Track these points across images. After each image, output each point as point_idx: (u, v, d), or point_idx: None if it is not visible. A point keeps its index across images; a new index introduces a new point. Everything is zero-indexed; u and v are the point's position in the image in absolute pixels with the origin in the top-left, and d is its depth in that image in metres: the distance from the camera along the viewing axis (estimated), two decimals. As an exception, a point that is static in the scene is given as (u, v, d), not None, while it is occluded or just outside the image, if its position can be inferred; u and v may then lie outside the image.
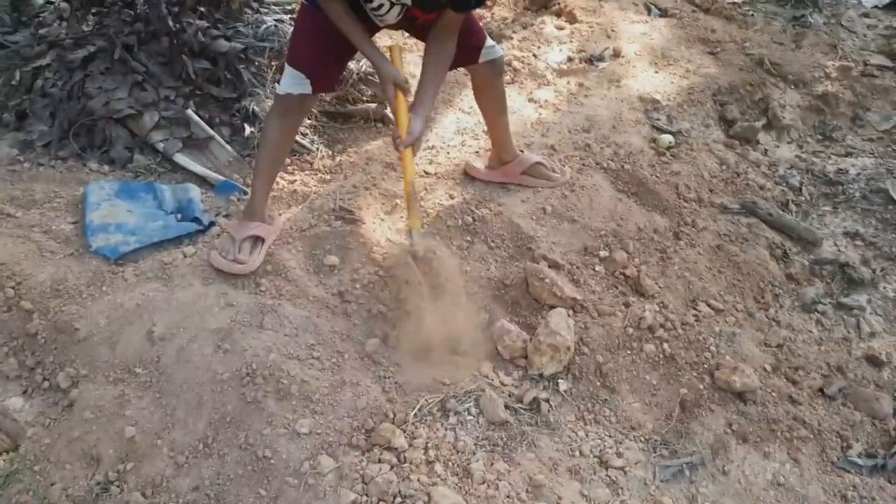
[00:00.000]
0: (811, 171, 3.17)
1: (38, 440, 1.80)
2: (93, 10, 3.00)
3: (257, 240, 2.19)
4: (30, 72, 2.79)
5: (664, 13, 4.10)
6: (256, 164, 2.30)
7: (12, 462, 1.78)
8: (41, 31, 2.94)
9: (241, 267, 2.11)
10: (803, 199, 3.01)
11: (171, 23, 2.65)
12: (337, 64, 2.25)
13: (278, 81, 2.83)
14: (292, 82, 2.13)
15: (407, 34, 2.53)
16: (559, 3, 3.97)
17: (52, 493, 1.69)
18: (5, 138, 2.66)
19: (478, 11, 2.43)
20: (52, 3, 3.10)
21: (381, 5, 1.99)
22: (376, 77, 3.01)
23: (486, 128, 2.67)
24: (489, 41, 2.35)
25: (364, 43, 2.07)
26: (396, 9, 2.02)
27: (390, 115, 2.65)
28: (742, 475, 1.86)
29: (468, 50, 2.27)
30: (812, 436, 2.02)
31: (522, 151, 2.70)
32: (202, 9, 2.81)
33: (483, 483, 1.70)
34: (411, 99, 2.14)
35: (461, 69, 2.44)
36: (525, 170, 2.63)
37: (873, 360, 2.31)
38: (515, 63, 3.43)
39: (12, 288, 2.00)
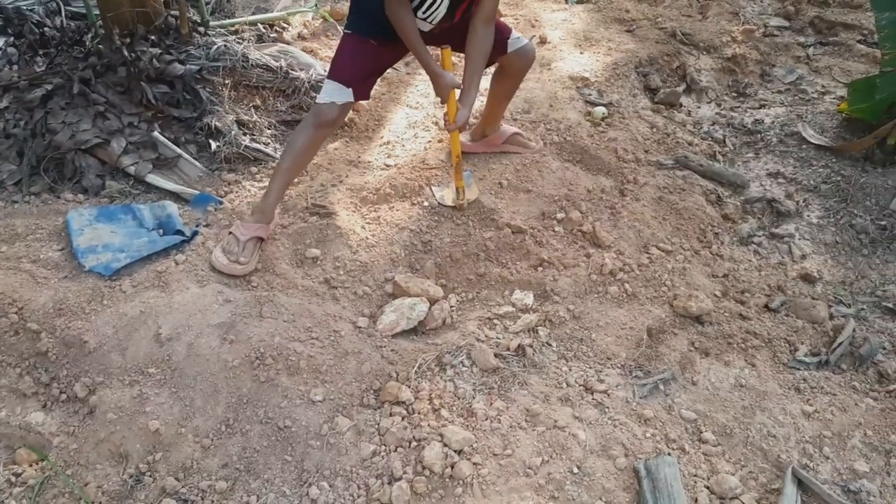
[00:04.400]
0: (731, 124, 3.50)
1: (66, 447, 1.89)
2: (41, 52, 3.09)
3: (258, 241, 2.33)
4: (-13, 117, 2.86)
5: (581, 0, 4.40)
6: (279, 167, 2.42)
7: (43, 470, 1.87)
8: (-8, 77, 3.00)
9: (241, 268, 2.26)
10: (728, 149, 3.33)
11: (126, 53, 2.76)
12: (373, 77, 2.47)
13: (233, 99, 2.99)
14: (334, 92, 2.32)
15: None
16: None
17: (87, 492, 1.80)
18: (-27, 182, 2.72)
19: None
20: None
21: (432, 3, 2.20)
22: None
23: (484, 103, 2.94)
24: (515, 33, 2.59)
25: (424, 54, 2.30)
26: (446, 2, 2.22)
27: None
28: (709, 383, 2.10)
29: (497, 43, 2.49)
30: (763, 344, 2.28)
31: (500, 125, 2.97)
32: (153, 37, 2.93)
33: (486, 419, 1.90)
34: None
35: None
36: (505, 140, 2.92)
37: (807, 278, 2.61)
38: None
39: (15, 313, 2.08)
